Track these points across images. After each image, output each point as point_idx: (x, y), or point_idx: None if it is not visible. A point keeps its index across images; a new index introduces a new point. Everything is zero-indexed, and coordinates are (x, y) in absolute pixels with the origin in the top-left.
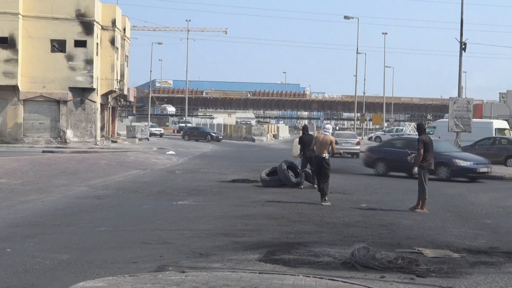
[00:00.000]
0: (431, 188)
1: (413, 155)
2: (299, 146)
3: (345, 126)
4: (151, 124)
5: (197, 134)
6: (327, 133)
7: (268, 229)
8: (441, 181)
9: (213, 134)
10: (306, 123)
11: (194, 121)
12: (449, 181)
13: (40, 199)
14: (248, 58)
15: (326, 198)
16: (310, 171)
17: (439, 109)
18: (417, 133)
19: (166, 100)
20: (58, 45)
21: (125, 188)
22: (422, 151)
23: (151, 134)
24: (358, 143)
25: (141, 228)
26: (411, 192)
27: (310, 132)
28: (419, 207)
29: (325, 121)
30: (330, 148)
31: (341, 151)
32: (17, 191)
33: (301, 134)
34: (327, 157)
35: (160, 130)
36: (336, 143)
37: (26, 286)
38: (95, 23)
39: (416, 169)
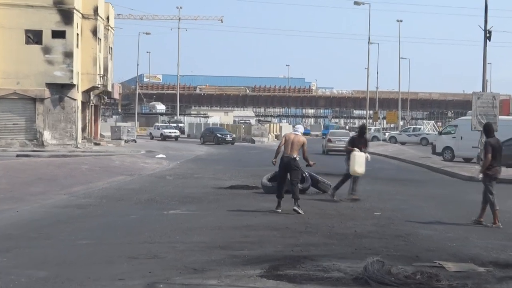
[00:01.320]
0: (453, 194)
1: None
2: (364, 158)
3: (356, 125)
4: (165, 124)
5: (209, 136)
6: (298, 133)
7: (270, 241)
8: (465, 186)
9: (219, 136)
10: (363, 123)
11: (186, 121)
12: (473, 186)
13: (15, 209)
14: (246, 50)
15: (299, 204)
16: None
17: (461, 105)
18: (484, 134)
19: (155, 97)
20: (34, 36)
21: (110, 196)
22: (490, 156)
23: (165, 137)
24: None
25: (128, 241)
26: (431, 199)
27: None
28: (494, 222)
29: (297, 124)
30: (302, 150)
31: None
32: None
33: (355, 137)
34: (297, 158)
35: (175, 132)
36: (330, 141)
37: None
38: (75, 11)
39: (480, 176)
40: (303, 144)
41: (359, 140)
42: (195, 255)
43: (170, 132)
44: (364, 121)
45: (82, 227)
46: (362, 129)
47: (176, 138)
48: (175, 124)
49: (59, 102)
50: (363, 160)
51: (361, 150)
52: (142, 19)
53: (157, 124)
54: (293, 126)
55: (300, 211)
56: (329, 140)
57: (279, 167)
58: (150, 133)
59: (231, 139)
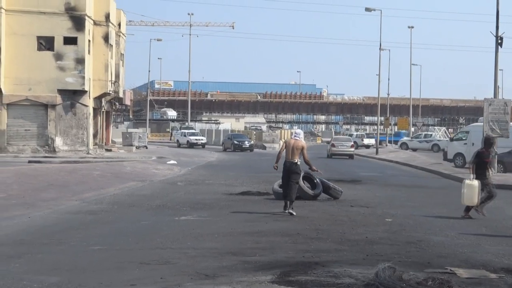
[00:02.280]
0: None
1: None
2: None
3: (368, 132)
4: (192, 131)
5: (227, 142)
6: (298, 138)
7: (281, 247)
8: None
9: (236, 142)
10: (489, 134)
11: (197, 127)
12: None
13: (26, 214)
14: (258, 56)
15: (293, 207)
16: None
17: (473, 111)
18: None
19: (166, 103)
20: (46, 43)
21: (121, 202)
22: None
23: (191, 144)
24: (352, 146)
25: (140, 247)
26: (442, 205)
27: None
28: None
29: (295, 127)
30: (302, 154)
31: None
32: (1, 206)
33: (482, 150)
34: (298, 163)
35: (201, 139)
36: (334, 146)
37: None
38: (86, 17)
39: None
40: (302, 148)
41: (487, 154)
42: (206, 261)
43: (196, 140)
44: (375, 127)
45: (93, 233)
46: (488, 141)
47: (203, 145)
48: (185, 130)
49: (70, 108)
50: (474, 191)
51: (487, 165)
52: (153, 25)
53: (183, 131)
54: (294, 131)
55: (293, 213)
56: (333, 145)
57: (282, 171)
58: (177, 140)
59: (248, 146)
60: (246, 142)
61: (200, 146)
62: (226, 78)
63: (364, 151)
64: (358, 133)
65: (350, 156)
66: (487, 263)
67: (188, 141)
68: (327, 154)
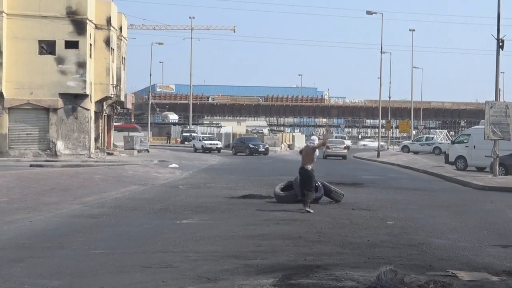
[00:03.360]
0: (466, 203)
1: None
2: None
3: (369, 135)
4: (208, 135)
5: (240, 146)
6: (310, 145)
7: (283, 250)
8: (478, 195)
9: (251, 146)
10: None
11: (199, 130)
12: (486, 195)
13: (28, 218)
14: (259, 59)
15: (310, 205)
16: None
17: (474, 114)
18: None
19: (168, 107)
20: (47, 47)
21: (123, 205)
22: None
23: (206, 149)
24: (345, 148)
25: (141, 250)
26: (443, 208)
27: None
28: None
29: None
30: (316, 151)
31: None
32: (3, 210)
33: None
34: (311, 169)
35: (216, 144)
36: (328, 147)
37: None
38: (88, 21)
39: None
40: (314, 150)
41: None
42: (208, 264)
43: (211, 144)
44: (376, 130)
45: (95, 237)
46: None
47: (219, 150)
48: (187, 134)
49: (72, 112)
50: None
51: None
52: (154, 29)
53: (198, 135)
54: (310, 138)
55: (311, 210)
56: (327, 147)
57: (299, 178)
58: (194, 145)
59: (264, 150)
60: (261, 145)
61: (216, 151)
62: (228, 81)
63: (366, 154)
64: (338, 135)
65: (343, 157)
66: (488, 266)
67: (202, 145)
68: (322, 155)
